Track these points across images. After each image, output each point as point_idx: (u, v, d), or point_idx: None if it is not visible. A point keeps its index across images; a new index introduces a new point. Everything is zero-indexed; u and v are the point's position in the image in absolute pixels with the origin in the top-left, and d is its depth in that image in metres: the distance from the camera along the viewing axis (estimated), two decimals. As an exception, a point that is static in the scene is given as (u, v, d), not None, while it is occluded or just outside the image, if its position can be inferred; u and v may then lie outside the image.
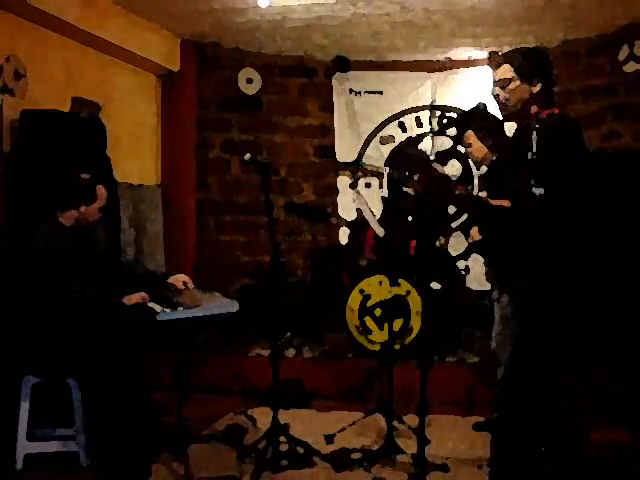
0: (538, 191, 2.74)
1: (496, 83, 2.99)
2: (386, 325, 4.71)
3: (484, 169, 4.00)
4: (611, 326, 4.55)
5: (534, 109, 2.91)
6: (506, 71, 2.92)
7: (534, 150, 2.83)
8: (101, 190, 3.67)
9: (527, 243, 2.82)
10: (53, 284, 3.40)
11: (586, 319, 2.90)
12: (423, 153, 6.16)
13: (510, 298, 3.30)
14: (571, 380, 2.87)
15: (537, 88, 2.87)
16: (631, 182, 4.83)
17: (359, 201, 6.42)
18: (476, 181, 6.35)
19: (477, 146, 3.96)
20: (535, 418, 2.84)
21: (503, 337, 3.48)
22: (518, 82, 2.88)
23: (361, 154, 6.59)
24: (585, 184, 2.83)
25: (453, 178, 6.08)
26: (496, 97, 2.99)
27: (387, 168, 6.45)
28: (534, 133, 2.84)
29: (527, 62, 2.89)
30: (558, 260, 2.77)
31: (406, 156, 5.88)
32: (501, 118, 4.12)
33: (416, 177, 3.13)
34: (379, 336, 5.22)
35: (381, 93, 6.59)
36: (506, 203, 2.94)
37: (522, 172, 2.85)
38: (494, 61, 3.12)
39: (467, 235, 3.78)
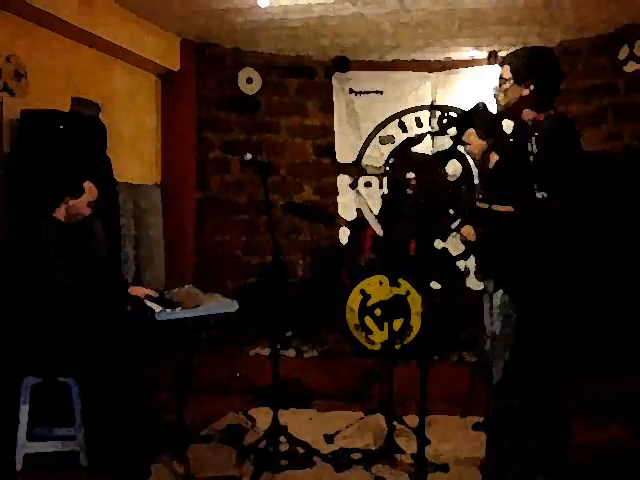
0: (540, 195, 2.72)
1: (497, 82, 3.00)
2: (386, 325, 4.70)
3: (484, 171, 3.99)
4: (613, 327, 4.55)
5: (528, 113, 2.89)
6: (505, 71, 2.92)
7: (534, 154, 2.81)
8: (89, 185, 3.67)
9: (531, 247, 2.80)
10: (42, 279, 3.40)
11: (588, 321, 2.88)
12: (426, 156, 6.16)
13: (510, 298, 3.26)
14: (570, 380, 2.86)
15: (527, 91, 2.85)
16: (631, 182, 4.84)
17: (359, 201, 6.42)
18: (476, 181, 6.39)
19: (476, 143, 3.97)
20: (534, 418, 2.83)
21: (502, 336, 3.40)
22: (512, 82, 2.87)
23: (361, 154, 6.59)
24: (584, 186, 2.81)
25: (453, 178, 6.12)
26: (495, 96, 2.99)
27: (387, 168, 6.46)
28: (532, 137, 2.82)
29: (522, 63, 2.88)
30: (563, 263, 2.75)
31: (408, 157, 5.88)
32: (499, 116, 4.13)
33: (411, 177, 3.10)
34: (379, 336, 5.22)
35: (381, 93, 6.60)
36: (510, 209, 2.92)
37: (524, 176, 2.83)
38: (501, 61, 3.08)
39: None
